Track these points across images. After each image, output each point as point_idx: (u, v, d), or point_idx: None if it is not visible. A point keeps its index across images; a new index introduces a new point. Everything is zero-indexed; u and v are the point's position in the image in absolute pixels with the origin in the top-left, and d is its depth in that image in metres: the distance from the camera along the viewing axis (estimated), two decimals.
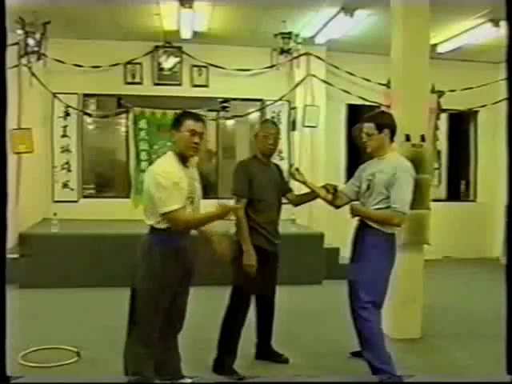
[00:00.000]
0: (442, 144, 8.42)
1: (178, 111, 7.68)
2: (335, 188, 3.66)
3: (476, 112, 8.37)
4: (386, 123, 3.46)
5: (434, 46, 6.99)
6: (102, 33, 6.98)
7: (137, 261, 2.89)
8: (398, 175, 3.32)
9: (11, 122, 6.34)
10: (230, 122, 8.33)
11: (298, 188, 4.01)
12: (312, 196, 3.76)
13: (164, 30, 6.90)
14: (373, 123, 3.45)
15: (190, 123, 2.86)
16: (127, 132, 7.57)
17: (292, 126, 7.86)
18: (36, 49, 6.28)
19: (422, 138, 4.40)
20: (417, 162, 3.89)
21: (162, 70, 7.56)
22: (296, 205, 3.94)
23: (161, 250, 2.83)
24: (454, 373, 3.66)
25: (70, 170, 7.47)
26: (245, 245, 3.43)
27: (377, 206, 3.38)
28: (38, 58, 6.45)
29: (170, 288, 2.89)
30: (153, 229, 2.86)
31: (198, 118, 2.94)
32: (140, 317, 2.86)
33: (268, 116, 7.73)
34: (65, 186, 7.45)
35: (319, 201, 3.79)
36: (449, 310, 5.27)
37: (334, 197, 3.65)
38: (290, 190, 3.85)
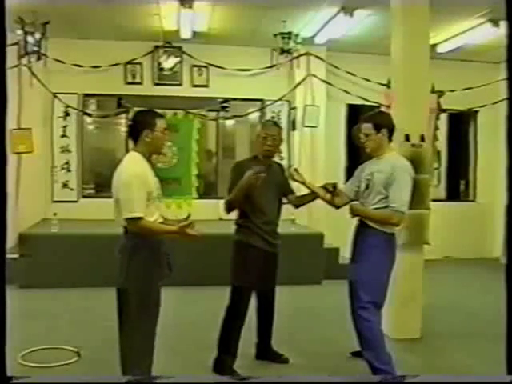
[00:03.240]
0: (442, 144, 8.42)
1: (178, 111, 7.71)
2: (334, 186, 3.66)
3: (476, 112, 8.37)
4: (383, 123, 3.46)
5: (434, 46, 6.99)
6: (102, 33, 6.98)
7: (121, 261, 2.84)
8: (397, 175, 3.32)
9: (11, 122, 6.35)
10: (229, 122, 8.33)
11: (296, 188, 4.01)
12: (312, 197, 3.76)
13: (164, 30, 6.90)
14: (370, 123, 3.45)
15: (162, 122, 2.91)
16: (127, 132, 7.57)
17: (292, 126, 7.86)
18: (36, 49, 6.28)
19: (422, 138, 4.40)
20: (416, 162, 3.90)
21: (162, 69, 7.56)
22: (297, 206, 3.93)
23: (148, 249, 2.83)
24: (454, 373, 3.66)
25: (69, 170, 7.47)
26: (242, 185, 3.39)
27: (376, 206, 3.38)
28: (38, 58, 6.45)
29: (158, 285, 2.89)
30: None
31: (162, 115, 3.00)
32: (136, 319, 2.83)
33: (268, 116, 7.74)
34: (64, 185, 7.45)
35: (319, 201, 3.79)
36: (449, 310, 5.27)
37: (334, 194, 3.65)
38: (292, 192, 3.83)
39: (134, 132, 2.91)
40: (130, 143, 3.05)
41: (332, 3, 5.88)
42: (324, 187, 3.67)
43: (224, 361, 3.53)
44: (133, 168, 2.83)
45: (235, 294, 3.55)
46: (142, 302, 2.83)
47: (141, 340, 2.85)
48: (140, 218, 2.73)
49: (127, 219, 2.74)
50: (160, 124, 2.88)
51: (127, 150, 7.50)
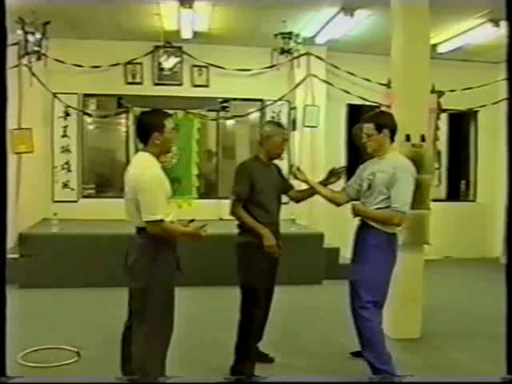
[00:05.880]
0: (442, 144, 8.42)
1: (178, 111, 7.68)
2: (343, 168, 3.72)
3: (476, 112, 8.37)
4: (385, 123, 3.46)
5: (434, 46, 6.99)
6: (102, 33, 6.98)
7: (142, 261, 2.82)
8: (399, 175, 3.32)
9: (11, 122, 6.35)
10: (230, 122, 8.33)
11: (298, 186, 4.01)
12: (312, 191, 3.76)
13: (164, 29, 6.90)
14: (372, 123, 3.45)
15: (170, 122, 2.91)
16: (127, 132, 7.58)
17: (292, 125, 7.86)
18: (36, 49, 6.28)
19: (422, 138, 4.40)
20: (417, 162, 3.89)
21: (162, 69, 7.57)
22: (297, 201, 3.94)
23: (170, 248, 2.87)
24: (454, 373, 3.66)
25: (69, 170, 7.47)
26: (259, 230, 3.41)
27: (377, 206, 3.38)
28: (38, 58, 6.44)
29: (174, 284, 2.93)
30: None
31: (170, 114, 3.01)
32: (159, 318, 2.83)
33: (268, 116, 7.74)
34: (65, 185, 7.46)
35: (319, 200, 3.79)
36: (449, 310, 5.27)
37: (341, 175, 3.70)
38: (292, 188, 3.84)
39: (143, 134, 2.89)
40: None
41: (332, 3, 5.88)
42: (331, 173, 3.70)
43: (244, 366, 3.43)
44: (154, 170, 2.82)
45: (250, 296, 3.46)
46: (166, 301, 2.85)
47: (163, 340, 2.85)
48: (162, 221, 2.74)
49: (149, 222, 2.74)
50: (168, 125, 2.88)
51: (127, 150, 7.56)
